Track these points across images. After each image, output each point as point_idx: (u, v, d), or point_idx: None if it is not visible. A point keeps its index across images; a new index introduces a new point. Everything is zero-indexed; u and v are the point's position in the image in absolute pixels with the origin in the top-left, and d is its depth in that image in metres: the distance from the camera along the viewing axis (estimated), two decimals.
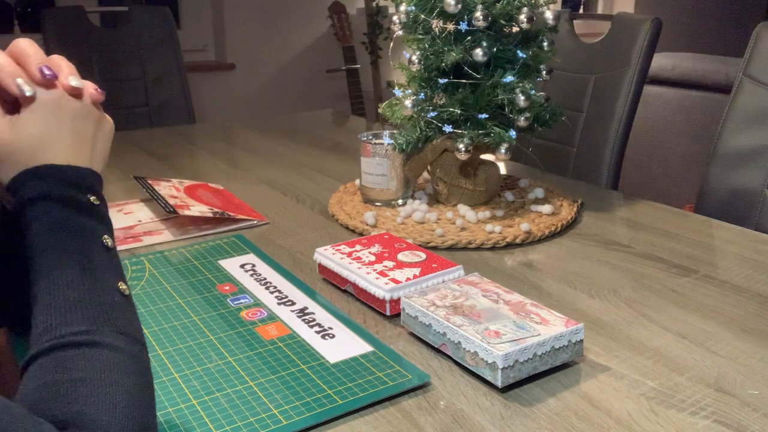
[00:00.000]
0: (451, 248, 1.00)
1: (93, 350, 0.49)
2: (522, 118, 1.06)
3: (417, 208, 1.11)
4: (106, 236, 0.55)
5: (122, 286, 0.54)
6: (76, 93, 0.59)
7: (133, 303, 0.55)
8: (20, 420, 0.42)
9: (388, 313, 0.80)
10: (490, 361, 0.65)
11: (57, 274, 0.52)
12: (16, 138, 0.55)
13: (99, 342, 0.49)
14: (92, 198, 0.56)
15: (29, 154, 0.55)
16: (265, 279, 0.90)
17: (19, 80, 0.56)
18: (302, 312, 0.81)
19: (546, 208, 1.11)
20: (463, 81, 1.06)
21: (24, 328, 0.71)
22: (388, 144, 1.12)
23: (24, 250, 0.54)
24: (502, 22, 1.05)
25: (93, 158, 0.58)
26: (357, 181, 1.23)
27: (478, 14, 1.02)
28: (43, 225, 0.53)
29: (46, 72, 0.57)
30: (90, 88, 0.61)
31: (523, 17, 1.05)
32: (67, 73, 0.59)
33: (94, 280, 0.53)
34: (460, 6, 1.02)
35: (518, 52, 1.06)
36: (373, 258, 0.87)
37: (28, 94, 0.56)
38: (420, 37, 1.09)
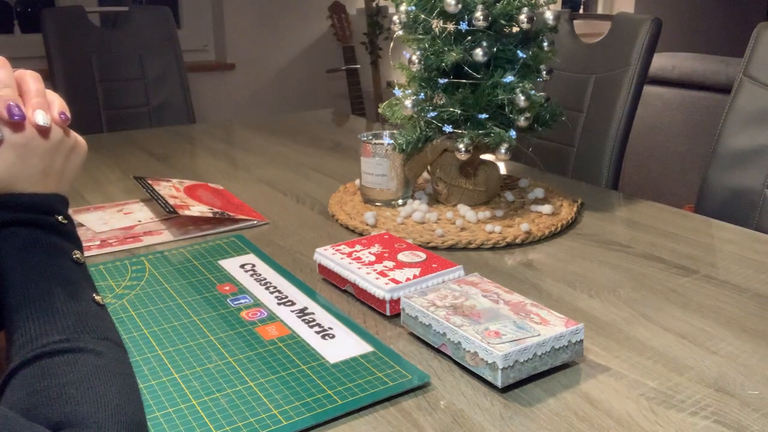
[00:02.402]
0: (451, 248, 1.00)
1: (77, 355, 0.50)
2: (522, 118, 1.06)
3: (417, 208, 1.11)
4: (75, 252, 0.57)
5: (96, 296, 0.56)
6: (43, 131, 0.59)
7: (108, 312, 0.57)
8: (14, 423, 0.42)
9: (388, 313, 0.80)
10: (490, 361, 0.65)
11: (31, 288, 0.53)
12: None
13: (81, 348, 0.50)
14: (59, 218, 0.58)
15: None
16: (265, 279, 0.90)
17: None
18: (302, 312, 0.81)
19: (546, 208, 1.11)
20: (463, 81, 1.06)
21: None
22: (388, 144, 1.12)
23: None
24: (503, 22, 1.05)
25: (60, 184, 0.60)
26: (357, 181, 1.23)
27: (479, 14, 1.02)
28: (12, 247, 0.55)
29: (15, 113, 0.57)
30: (54, 114, 0.61)
31: (523, 17, 1.05)
32: (36, 108, 0.59)
33: (68, 291, 0.54)
34: (460, 6, 1.02)
35: (518, 52, 1.06)
36: (373, 258, 0.87)
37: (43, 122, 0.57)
38: (420, 37, 1.09)
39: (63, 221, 0.58)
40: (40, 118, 0.58)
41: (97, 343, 0.52)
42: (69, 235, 0.58)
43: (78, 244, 0.59)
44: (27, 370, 0.49)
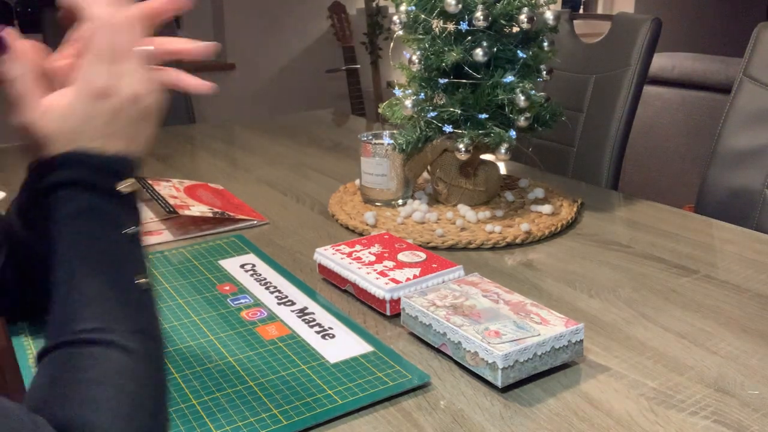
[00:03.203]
0: (451, 248, 1.00)
1: (103, 349, 0.48)
2: (522, 118, 1.06)
3: (417, 208, 1.11)
4: (130, 225, 0.54)
5: (141, 279, 0.53)
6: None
7: (152, 296, 0.54)
8: (19, 423, 0.42)
9: (388, 313, 0.80)
10: (490, 361, 0.65)
11: (76, 264, 0.51)
12: (47, 123, 0.53)
13: (110, 341, 0.49)
14: (121, 185, 0.54)
15: (61, 141, 0.53)
16: (265, 279, 0.90)
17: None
18: (302, 312, 0.81)
19: (546, 208, 1.11)
20: (463, 81, 1.06)
21: (19, 315, 0.73)
22: (388, 144, 1.12)
23: (46, 235, 0.53)
24: (503, 22, 1.05)
25: (131, 142, 0.56)
26: (357, 181, 1.23)
27: (479, 14, 1.02)
28: (65, 212, 0.52)
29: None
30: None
31: (523, 17, 1.05)
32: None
33: (112, 272, 0.52)
34: (460, 6, 1.02)
35: (518, 52, 1.06)
36: (373, 258, 0.87)
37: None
38: (420, 37, 1.09)
39: (124, 190, 0.54)
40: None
41: (129, 337, 0.50)
42: (127, 205, 0.54)
43: (134, 216, 0.55)
44: (56, 353, 0.48)
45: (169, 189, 1.18)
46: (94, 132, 0.54)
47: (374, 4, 3.42)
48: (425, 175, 1.23)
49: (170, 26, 0.59)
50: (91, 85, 0.54)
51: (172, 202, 1.10)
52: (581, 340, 0.69)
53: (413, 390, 0.66)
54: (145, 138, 0.57)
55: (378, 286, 0.80)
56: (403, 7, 1.10)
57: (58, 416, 0.45)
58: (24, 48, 0.56)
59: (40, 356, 0.49)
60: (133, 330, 0.50)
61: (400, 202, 1.16)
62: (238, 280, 0.90)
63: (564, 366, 0.70)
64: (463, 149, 1.05)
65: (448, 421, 0.62)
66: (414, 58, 1.09)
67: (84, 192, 0.52)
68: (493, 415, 0.62)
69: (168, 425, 0.51)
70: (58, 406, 0.46)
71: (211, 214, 1.09)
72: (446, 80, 1.07)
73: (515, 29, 1.07)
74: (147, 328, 0.52)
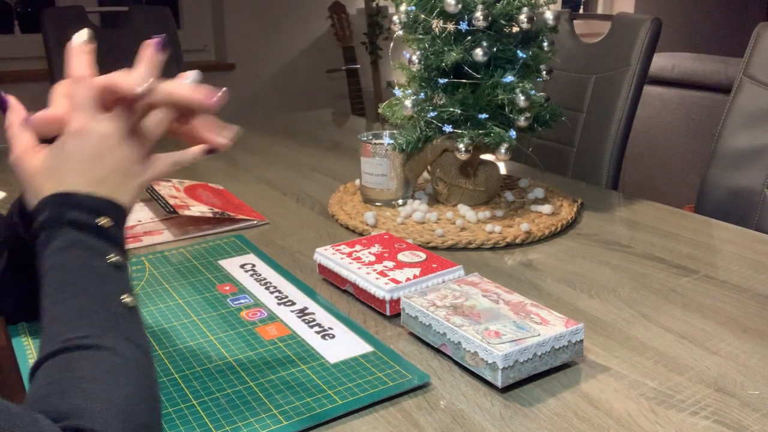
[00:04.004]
0: (451, 248, 1.00)
1: (95, 352, 0.51)
2: (522, 118, 1.06)
3: (417, 208, 1.11)
4: (114, 254, 0.57)
5: (127, 298, 0.56)
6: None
7: (139, 315, 0.57)
8: (18, 419, 0.42)
9: (388, 313, 0.80)
10: (490, 361, 0.65)
11: (64, 287, 0.54)
12: (38, 166, 0.59)
13: (102, 345, 0.51)
14: (103, 221, 0.58)
15: (49, 183, 0.58)
16: (265, 279, 0.90)
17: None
18: (302, 312, 0.81)
19: (546, 208, 1.11)
20: (463, 81, 1.06)
21: (20, 315, 0.75)
22: (388, 144, 1.12)
23: (37, 269, 0.57)
24: (503, 22, 1.05)
25: (115, 192, 0.60)
26: (357, 181, 1.23)
27: (479, 14, 1.02)
28: (53, 247, 0.56)
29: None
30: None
31: (523, 17, 1.05)
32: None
33: (98, 293, 0.55)
34: (460, 6, 1.02)
35: (518, 52, 1.06)
36: (373, 258, 0.87)
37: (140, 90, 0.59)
38: (420, 37, 1.09)
39: (107, 225, 0.58)
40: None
41: (119, 343, 0.52)
42: (112, 239, 0.58)
43: (118, 247, 0.59)
44: (49, 362, 0.50)
45: (169, 189, 1.18)
46: (76, 175, 0.58)
47: (374, 4, 3.41)
48: (425, 175, 1.23)
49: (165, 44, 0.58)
50: (69, 127, 0.59)
51: (172, 202, 1.10)
52: (581, 340, 0.69)
53: (413, 390, 0.66)
54: (129, 191, 0.61)
55: (378, 286, 0.80)
56: (403, 7, 1.10)
57: (57, 406, 0.47)
58: (12, 101, 0.63)
59: (34, 369, 0.51)
60: (121, 338, 0.53)
61: (400, 202, 1.16)
62: (238, 280, 0.90)
63: (564, 366, 0.70)
64: (463, 149, 1.05)
65: (448, 421, 0.62)
66: (414, 58, 1.09)
67: (69, 229, 0.56)
68: (493, 415, 0.62)
69: (161, 426, 0.52)
70: (57, 400, 0.47)
71: (211, 214, 1.09)
72: (446, 80, 1.07)
73: (515, 29, 1.07)
74: (134, 338, 0.54)
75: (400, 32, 1.13)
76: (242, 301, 0.84)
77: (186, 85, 0.63)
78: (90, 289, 0.54)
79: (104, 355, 0.51)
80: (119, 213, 0.60)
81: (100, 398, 0.48)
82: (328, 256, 0.89)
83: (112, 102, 0.61)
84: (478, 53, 1.03)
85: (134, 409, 0.49)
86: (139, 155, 0.62)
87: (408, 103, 1.09)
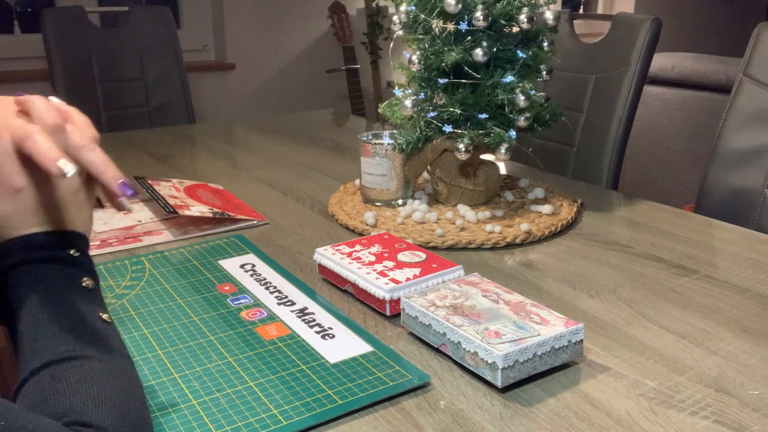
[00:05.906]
0: (451, 248, 1.00)
1: (82, 361, 0.53)
2: (522, 118, 1.06)
3: (417, 208, 1.11)
4: (86, 279, 0.59)
5: (104, 315, 0.58)
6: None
7: (115, 329, 0.59)
8: (23, 415, 0.44)
9: (388, 313, 0.80)
10: (490, 361, 0.65)
11: (40, 311, 0.55)
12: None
13: (87, 356, 0.53)
14: (71, 251, 0.59)
15: (9, 226, 0.58)
16: (265, 279, 0.90)
17: (61, 162, 0.56)
18: (302, 312, 0.81)
19: (546, 208, 1.11)
20: (463, 81, 1.06)
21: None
22: (388, 144, 1.12)
23: (9, 306, 0.57)
24: (503, 22, 1.05)
25: (72, 222, 0.60)
26: (357, 181, 1.23)
27: (479, 14, 1.02)
28: (27, 280, 0.57)
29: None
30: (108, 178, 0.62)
31: (523, 17, 1.05)
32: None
33: (78, 311, 0.56)
34: (460, 6, 1.02)
35: (518, 52, 1.06)
36: (373, 258, 0.87)
37: (70, 174, 0.55)
38: (420, 37, 1.09)
39: (74, 254, 0.59)
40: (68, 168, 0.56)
41: (102, 353, 0.54)
42: (81, 266, 0.59)
43: (90, 272, 0.60)
44: (37, 376, 0.51)
45: (169, 189, 1.18)
46: (34, 217, 0.58)
47: (374, 4, 3.41)
48: (425, 175, 1.23)
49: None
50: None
51: (172, 202, 1.10)
52: (581, 340, 0.69)
53: (413, 390, 0.66)
54: (82, 220, 0.61)
55: (378, 286, 0.80)
56: (403, 7, 1.10)
57: (56, 408, 0.48)
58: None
59: (20, 386, 0.52)
60: (104, 349, 0.55)
61: (400, 202, 1.16)
62: (238, 280, 0.90)
63: (564, 366, 0.70)
64: (463, 149, 1.05)
65: (448, 422, 0.62)
66: (414, 58, 1.09)
67: (38, 264, 0.57)
68: (493, 415, 0.62)
69: (151, 423, 0.55)
70: (54, 403, 0.49)
71: (211, 214, 1.09)
72: (446, 80, 1.07)
73: (515, 29, 1.06)
74: (117, 347, 0.56)
75: (400, 32, 1.13)
76: (242, 301, 0.84)
77: (105, 169, 0.62)
78: (69, 308, 0.56)
79: (91, 363, 0.53)
80: (83, 242, 0.61)
81: (94, 397, 0.50)
82: (328, 256, 0.89)
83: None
84: (478, 53, 1.03)
85: (128, 404, 0.51)
86: (80, 183, 0.62)
87: (408, 103, 1.09)
